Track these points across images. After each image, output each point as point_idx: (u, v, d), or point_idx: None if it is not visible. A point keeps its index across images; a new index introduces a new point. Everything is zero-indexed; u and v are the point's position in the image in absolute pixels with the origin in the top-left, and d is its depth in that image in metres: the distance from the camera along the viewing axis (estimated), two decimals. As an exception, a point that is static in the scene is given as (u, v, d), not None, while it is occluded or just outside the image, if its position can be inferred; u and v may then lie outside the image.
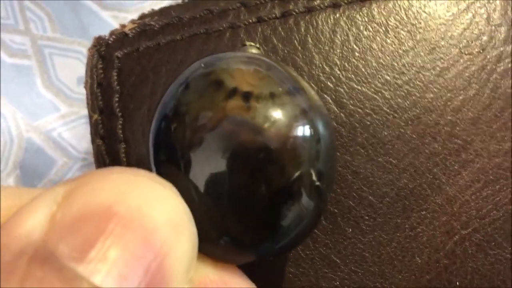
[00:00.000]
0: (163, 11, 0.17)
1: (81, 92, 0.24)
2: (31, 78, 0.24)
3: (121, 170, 0.11)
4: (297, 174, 0.12)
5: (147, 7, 0.25)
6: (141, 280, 0.10)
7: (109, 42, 0.17)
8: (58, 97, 0.24)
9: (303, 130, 0.12)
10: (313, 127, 0.13)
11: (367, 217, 0.15)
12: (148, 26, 0.17)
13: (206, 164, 0.12)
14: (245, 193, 0.12)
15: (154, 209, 0.10)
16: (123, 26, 0.17)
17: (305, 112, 0.13)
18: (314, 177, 0.13)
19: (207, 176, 0.12)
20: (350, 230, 0.15)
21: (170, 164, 0.13)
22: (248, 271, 0.13)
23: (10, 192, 0.11)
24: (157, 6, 0.24)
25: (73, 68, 0.25)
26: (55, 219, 0.10)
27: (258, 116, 0.12)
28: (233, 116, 0.12)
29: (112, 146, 0.17)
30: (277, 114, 0.12)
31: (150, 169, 0.16)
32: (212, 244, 0.12)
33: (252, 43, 0.15)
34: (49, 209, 0.10)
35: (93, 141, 0.17)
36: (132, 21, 0.17)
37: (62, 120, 0.24)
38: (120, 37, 0.17)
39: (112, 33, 0.17)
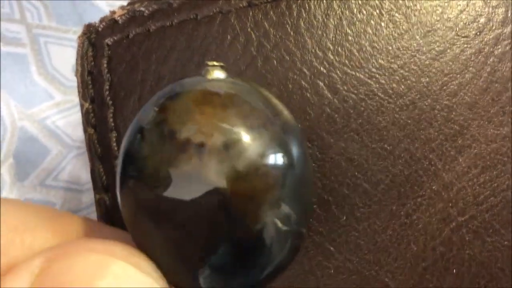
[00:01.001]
0: (153, -3, 0.17)
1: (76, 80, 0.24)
2: (25, 66, 0.24)
3: (99, 247, 0.11)
4: (258, 226, 0.12)
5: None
6: None
7: (99, 29, 0.17)
8: (52, 85, 0.24)
9: (265, 180, 0.12)
10: (275, 171, 0.12)
11: (361, 205, 0.15)
12: (137, 12, 0.16)
13: (170, 220, 0.12)
14: (213, 243, 0.12)
15: None
16: (113, 12, 0.17)
17: (264, 156, 0.12)
18: (279, 224, 0.12)
19: (171, 231, 0.12)
20: (345, 218, 0.15)
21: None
22: None
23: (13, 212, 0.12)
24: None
25: (68, 56, 0.25)
26: None
27: (209, 170, 0.12)
28: (186, 172, 0.12)
29: (103, 135, 0.16)
30: (232, 165, 0.12)
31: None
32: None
33: (215, 63, 0.14)
34: (25, 284, 0.11)
35: (84, 130, 0.17)
36: (122, 7, 0.17)
37: (56, 108, 0.24)
38: (110, 23, 0.17)
39: (102, 19, 0.17)
